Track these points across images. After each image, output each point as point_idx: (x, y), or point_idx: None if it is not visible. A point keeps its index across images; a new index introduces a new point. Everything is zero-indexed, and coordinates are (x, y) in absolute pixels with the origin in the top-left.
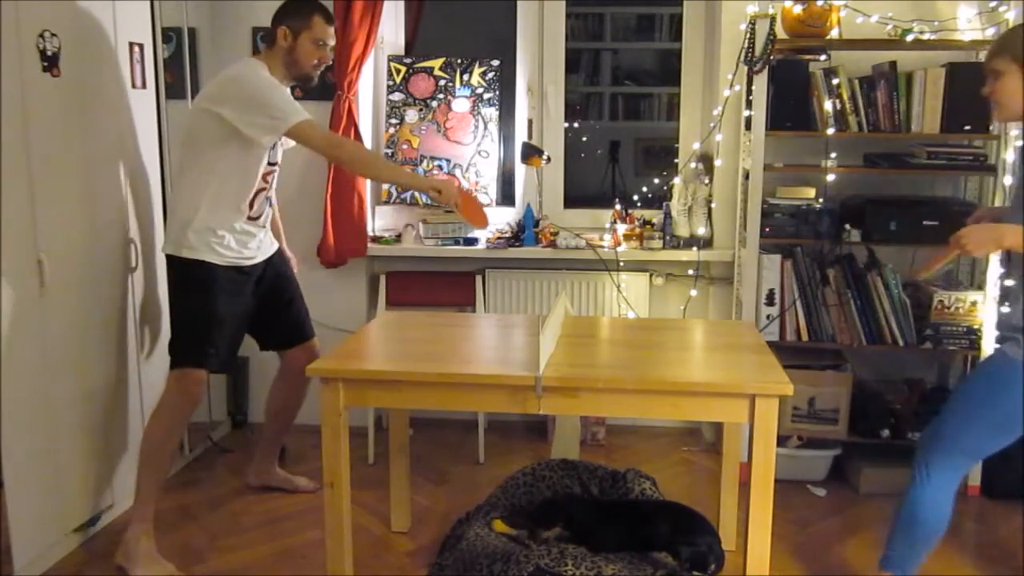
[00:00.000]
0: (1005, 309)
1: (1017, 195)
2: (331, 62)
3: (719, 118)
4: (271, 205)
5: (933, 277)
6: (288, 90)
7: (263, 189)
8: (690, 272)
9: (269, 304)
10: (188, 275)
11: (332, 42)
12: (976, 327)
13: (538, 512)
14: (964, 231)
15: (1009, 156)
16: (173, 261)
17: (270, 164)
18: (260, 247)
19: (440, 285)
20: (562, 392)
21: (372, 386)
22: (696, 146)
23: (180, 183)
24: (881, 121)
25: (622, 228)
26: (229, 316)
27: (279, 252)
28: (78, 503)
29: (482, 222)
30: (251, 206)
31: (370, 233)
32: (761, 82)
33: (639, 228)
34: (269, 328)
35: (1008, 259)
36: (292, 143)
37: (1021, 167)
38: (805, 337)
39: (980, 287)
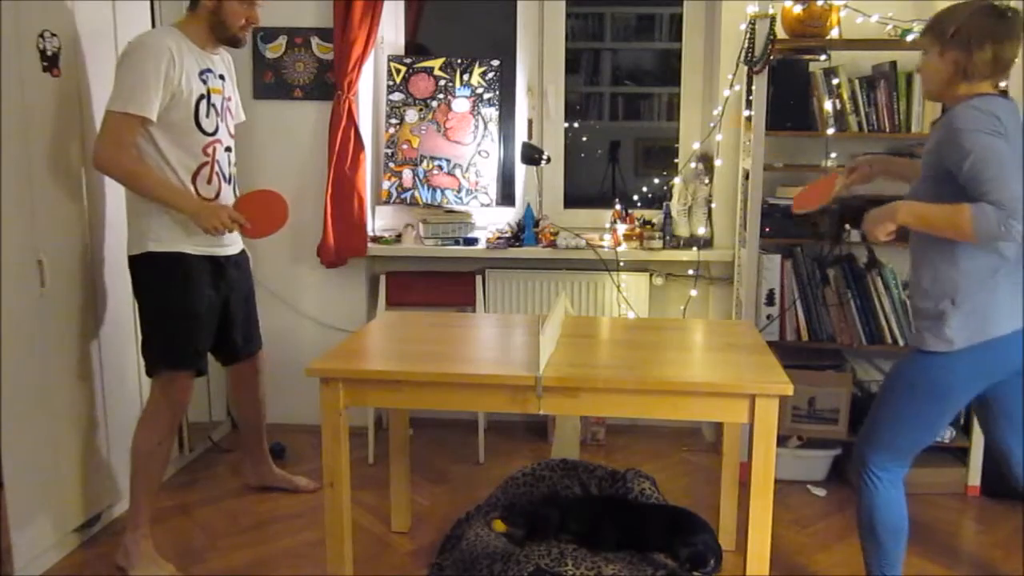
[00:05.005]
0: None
1: (926, 164)
2: (259, 22)
3: (719, 118)
4: (228, 183)
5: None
6: (163, 69)
7: (205, 163)
8: (690, 272)
9: (227, 309)
10: (160, 271)
11: None
12: None
13: (537, 511)
14: (865, 219)
15: None
16: (140, 261)
17: (207, 135)
18: (231, 232)
19: (440, 285)
20: (562, 392)
21: (372, 386)
22: (696, 146)
23: None
24: (881, 121)
25: (622, 228)
26: (206, 312)
27: (244, 252)
28: (78, 503)
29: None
30: (195, 184)
31: (370, 233)
32: (761, 82)
33: (639, 228)
34: (223, 335)
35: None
36: (240, 114)
37: (934, 137)
38: (805, 337)
39: None
